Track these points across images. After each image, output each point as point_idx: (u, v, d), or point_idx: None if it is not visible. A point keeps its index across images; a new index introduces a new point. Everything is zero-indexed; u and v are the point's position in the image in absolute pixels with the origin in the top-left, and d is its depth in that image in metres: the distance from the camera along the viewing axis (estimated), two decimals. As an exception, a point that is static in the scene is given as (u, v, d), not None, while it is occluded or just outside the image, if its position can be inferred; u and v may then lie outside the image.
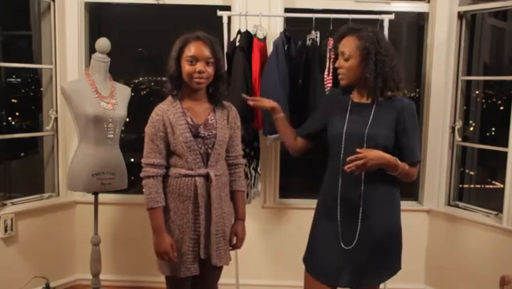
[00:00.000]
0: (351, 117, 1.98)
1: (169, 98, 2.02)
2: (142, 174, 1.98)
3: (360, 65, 1.93)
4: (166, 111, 1.98)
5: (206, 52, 1.95)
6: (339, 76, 1.99)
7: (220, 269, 2.15)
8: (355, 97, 2.02)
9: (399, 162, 1.89)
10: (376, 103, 1.96)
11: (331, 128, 2.04)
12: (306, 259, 2.10)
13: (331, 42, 2.66)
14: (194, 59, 1.94)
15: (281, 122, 2.24)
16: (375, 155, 1.84)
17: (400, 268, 2.05)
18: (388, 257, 2.00)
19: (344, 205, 1.96)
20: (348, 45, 1.95)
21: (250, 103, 2.20)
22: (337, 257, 1.98)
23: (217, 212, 2.02)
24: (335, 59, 2.04)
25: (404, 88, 3.48)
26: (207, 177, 1.98)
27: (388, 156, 1.87)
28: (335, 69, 2.05)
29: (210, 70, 1.97)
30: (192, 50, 1.94)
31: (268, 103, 2.19)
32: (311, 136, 2.17)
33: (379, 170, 1.93)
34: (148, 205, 1.96)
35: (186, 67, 1.94)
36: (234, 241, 2.14)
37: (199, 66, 1.93)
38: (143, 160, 1.98)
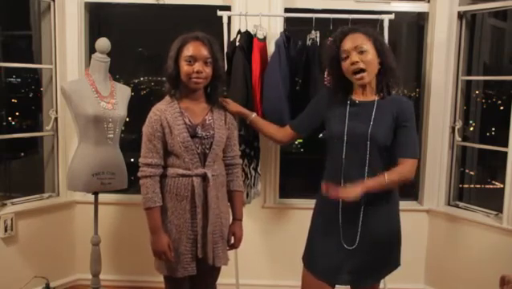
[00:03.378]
0: (351, 116, 1.96)
1: (167, 98, 2.03)
2: (139, 174, 1.98)
3: (378, 56, 1.90)
4: (164, 111, 1.98)
5: (204, 52, 1.95)
6: (360, 75, 1.89)
7: (218, 269, 2.15)
8: (354, 95, 2.00)
9: (380, 179, 1.87)
10: (378, 101, 1.95)
11: (330, 127, 2.03)
12: (306, 258, 2.10)
13: (331, 41, 2.66)
14: (192, 59, 1.94)
15: (256, 122, 2.28)
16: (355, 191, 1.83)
17: (399, 265, 2.06)
18: (388, 255, 2.01)
19: (347, 204, 1.95)
20: (360, 39, 1.90)
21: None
22: (339, 256, 1.99)
23: (215, 212, 2.02)
24: (335, 63, 1.97)
25: (404, 88, 3.49)
26: (204, 176, 1.98)
27: (368, 183, 1.86)
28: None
29: (208, 70, 1.97)
30: (190, 50, 1.94)
31: (233, 107, 2.16)
32: (305, 131, 2.17)
33: (382, 167, 1.93)
34: (145, 204, 1.96)
35: (184, 67, 1.94)
36: (232, 241, 2.15)
37: (197, 66, 1.94)
38: (140, 160, 1.99)
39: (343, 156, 1.95)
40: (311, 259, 2.07)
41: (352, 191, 1.83)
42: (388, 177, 1.87)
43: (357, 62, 1.88)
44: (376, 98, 1.96)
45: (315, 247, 2.07)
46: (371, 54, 1.90)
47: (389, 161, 1.95)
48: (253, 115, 2.29)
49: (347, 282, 2.01)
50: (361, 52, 1.88)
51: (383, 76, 1.94)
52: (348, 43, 1.91)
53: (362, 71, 1.89)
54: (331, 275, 2.01)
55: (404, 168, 1.91)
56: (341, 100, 2.01)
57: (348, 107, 1.98)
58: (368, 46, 1.90)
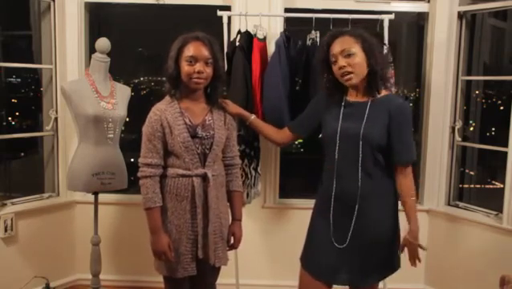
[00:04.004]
0: (345, 116, 1.97)
1: (167, 98, 2.03)
2: (139, 174, 1.98)
3: (367, 59, 1.91)
4: (164, 111, 1.98)
5: (205, 52, 1.95)
6: (347, 76, 1.90)
7: (218, 269, 2.15)
8: (349, 96, 2.01)
9: (415, 221, 1.99)
10: (371, 101, 1.96)
11: (325, 127, 2.04)
12: (303, 257, 2.11)
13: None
14: (193, 59, 1.94)
15: (256, 124, 2.29)
16: (412, 239, 1.96)
17: (399, 267, 2.05)
18: (385, 256, 2.01)
19: (338, 203, 1.97)
20: (347, 43, 1.91)
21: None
22: (331, 255, 1.99)
23: (215, 212, 2.02)
24: (326, 66, 1.98)
25: (404, 88, 3.49)
26: (204, 177, 1.98)
27: (414, 228, 1.98)
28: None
29: (209, 70, 1.97)
30: (191, 50, 1.94)
31: (233, 108, 2.17)
32: (305, 132, 2.19)
33: (379, 169, 1.94)
34: (145, 205, 1.96)
35: (185, 68, 1.94)
36: (232, 241, 2.15)
37: (198, 66, 1.93)
38: (140, 160, 1.99)
39: (336, 157, 1.96)
40: (308, 259, 2.08)
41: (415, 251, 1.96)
42: (413, 198, 1.98)
43: (344, 66, 1.90)
44: (370, 98, 1.97)
45: (312, 247, 2.07)
46: (358, 57, 1.90)
47: (382, 162, 1.96)
48: (253, 116, 2.30)
49: (345, 282, 2.01)
50: (348, 56, 1.89)
51: (373, 77, 1.94)
52: (336, 47, 1.92)
53: (350, 73, 1.90)
54: (328, 275, 2.01)
55: (410, 179, 1.98)
56: (337, 101, 2.03)
57: (343, 108, 2.00)
58: (356, 49, 1.90)
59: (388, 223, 2.00)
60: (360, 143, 1.91)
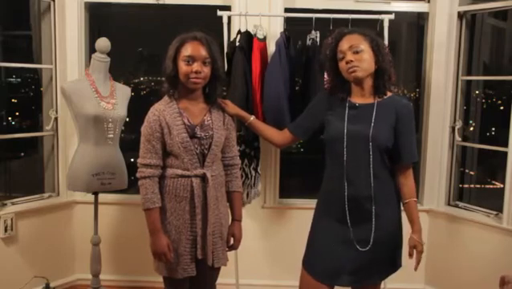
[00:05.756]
0: (351, 118, 1.96)
1: (165, 98, 2.02)
2: (138, 175, 1.98)
3: (375, 56, 1.91)
4: (162, 111, 1.97)
5: (203, 52, 1.94)
6: (353, 69, 1.89)
7: (218, 269, 2.14)
8: (353, 97, 2.00)
9: (419, 221, 2.04)
10: (378, 102, 1.95)
11: (329, 129, 2.02)
12: (306, 260, 2.09)
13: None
14: (191, 59, 1.93)
15: (255, 125, 2.28)
16: (419, 239, 2.00)
17: (400, 265, 2.06)
18: (392, 255, 2.01)
19: (354, 206, 1.94)
20: (356, 40, 1.91)
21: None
22: (348, 257, 1.97)
23: (214, 212, 2.01)
24: (333, 64, 1.99)
25: (404, 88, 3.49)
26: (203, 177, 1.98)
27: (419, 229, 2.02)
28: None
29: (207, 70, 1.97)
30: (189, 50, 1.94)
31: (232, 109, 2.17)
32: (304, 134, 2.17)
33: (385, 170, 1.95)
34: (144, 205, 1.96)
35: (183, 67, 1.94)
36: (232, 242, 2.15)
37: (196, 66, 1.93)
38: (139, 161, 1.98)
39: (345, 159, 1.94)
40: (312, 261, 2.05)
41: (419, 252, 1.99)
42: (415, 198, 2.02)
43: (351, 61, 1.89)
44: (376, 100, 1.96)
45: (317, 249, 2.05)
46: (366, 54, 1.90)
47: (388, 163, 1.96)
48: (252, 117, 2.28)
49: (347, 283, 2.01)
50: (356, 52, 1.90)
51: (380, 77, 1.94)
52: (345, 44, 1.93)
53: (356, 66, 1.90)
54: (332, 277, 2.00)
55: (411, 180, 2.01)
56: (340, 103, 2.01)
57: (347, 109, 1.98)
58: (364, 46, 1.91)
59: (397, 223, 2.02)
60: (370, 145, 1.90)
